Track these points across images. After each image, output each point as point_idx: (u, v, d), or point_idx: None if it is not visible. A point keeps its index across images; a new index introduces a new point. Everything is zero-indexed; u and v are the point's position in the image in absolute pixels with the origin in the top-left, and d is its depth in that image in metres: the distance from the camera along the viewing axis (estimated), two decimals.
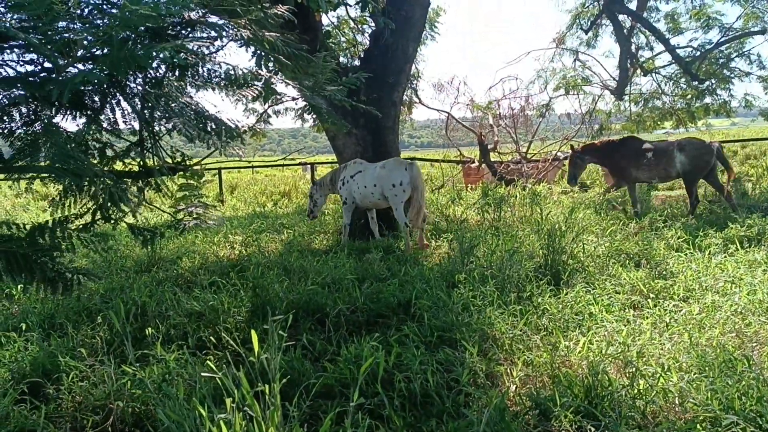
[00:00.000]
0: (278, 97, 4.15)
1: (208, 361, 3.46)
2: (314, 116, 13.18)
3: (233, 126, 3.60)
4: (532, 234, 8.34)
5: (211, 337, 4.81)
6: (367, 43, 11.84)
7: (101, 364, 4.19)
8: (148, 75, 3.17)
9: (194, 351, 4.69)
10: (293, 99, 4.59)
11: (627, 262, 6.95)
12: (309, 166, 22.75)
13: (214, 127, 3.48)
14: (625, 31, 13.88)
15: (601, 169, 12.17)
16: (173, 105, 3.01)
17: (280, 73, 5.05)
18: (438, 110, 19.07)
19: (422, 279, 6.20)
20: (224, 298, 5.42)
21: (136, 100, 3.03)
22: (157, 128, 3.53)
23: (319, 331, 4.97)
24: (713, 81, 15.23)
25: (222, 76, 3.70)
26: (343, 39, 16.78)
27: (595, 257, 6.85)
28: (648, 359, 3.93)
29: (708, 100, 16.06)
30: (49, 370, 4.32)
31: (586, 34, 16.03)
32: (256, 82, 4.42)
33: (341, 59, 15.01)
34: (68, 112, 3.02)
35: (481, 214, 10.97)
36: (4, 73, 2.82)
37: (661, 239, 8.10)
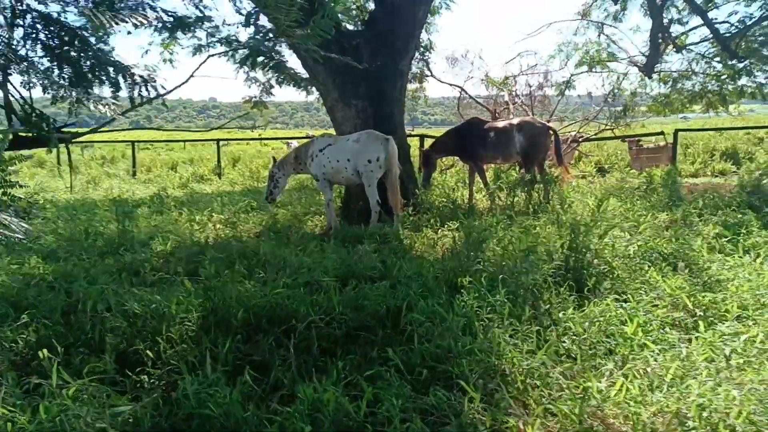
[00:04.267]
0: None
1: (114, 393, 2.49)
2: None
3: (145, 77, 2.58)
4: (549, 224, 7.33)
5: (148, 351, 3.85)
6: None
7: None
8: None
9: (121, 370, 3.73)
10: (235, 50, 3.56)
11: (661, 263, 5.93)
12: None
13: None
14: (658, 1, 12.64)
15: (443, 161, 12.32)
16: None
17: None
18: (451, 84, 17.90)
19: (419, 279, 5.20)
20: (175, 298, 4.43)
21: None
22: None
23: (285, 347, 3.98)
24: (750, 61, 13.95)
25: None
26: (353, 5, 15.64)
27: (625, 257, 5.81)
28: (710, 413, 2.92)
29: (743, 81, 14.79)
30: None
31: (615, 4, 14.76)
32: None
33: (348, 27, 13.90)
34: None
35: (492, 200, 9.93)
36: None
37: (696, 235, 7.06)
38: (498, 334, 3.66)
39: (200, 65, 3.77)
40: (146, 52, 11.72)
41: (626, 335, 3.99)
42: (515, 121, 10.83)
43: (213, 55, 4.37)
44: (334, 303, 4.40)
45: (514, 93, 17.19)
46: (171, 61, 12.25)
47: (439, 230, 7.98)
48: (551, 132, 10.64)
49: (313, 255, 6.07)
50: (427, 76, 17.83)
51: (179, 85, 2.96)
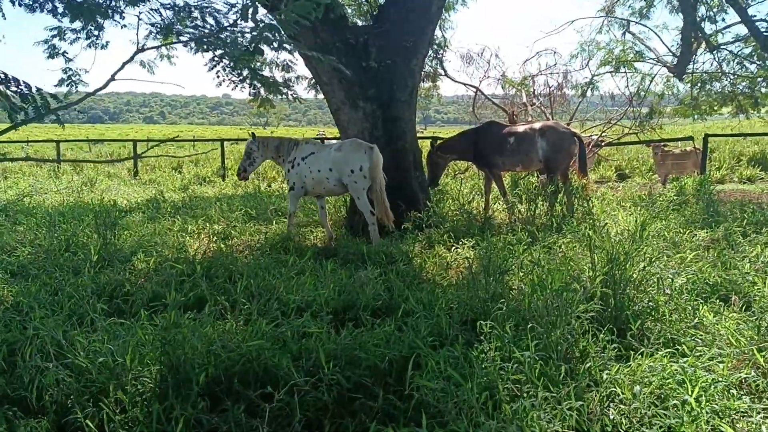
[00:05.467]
0: None
1: None
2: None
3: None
4: (576, 242, 6.49)
5: (88, 421, 3.07)
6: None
7: None
8: None
9: None
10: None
11: (710, 297, 5.10)
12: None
13: None
14: None
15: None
16: None
17: None
18: (466, 85, 17.05)
19: (429, 318, 4.40)
20: (130, 348, 3.64)
21: None
22: None
23: (260, 415, 3.18)
24: None
25: None
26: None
27: (673, 292, 4.92)
28: None
29: None
30: None
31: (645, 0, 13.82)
32: None
33: (358, 22, 13.10)
34: None
35: (511, 212, 9.07)
36: None
37: (742, 258, 6.20)
38: (531, 415, 2.83)
39: (123, 66, 3.01)
40: (142, 47, 10.96)
41: (689, 406, 3.16)
42: (537, 125, 9.92)
43: (142, 50, 3.65)
44: (328, 350, 3.61)
45: (532, 93, 16.29)
46: (169, 57, 11.51)
47: (453, 247, 7.18)
48: (576, 138, 9.75)
49: (307, 284, 5.26)
50: (441, 74, 17.02)
51: (93, 92, 2.22)
